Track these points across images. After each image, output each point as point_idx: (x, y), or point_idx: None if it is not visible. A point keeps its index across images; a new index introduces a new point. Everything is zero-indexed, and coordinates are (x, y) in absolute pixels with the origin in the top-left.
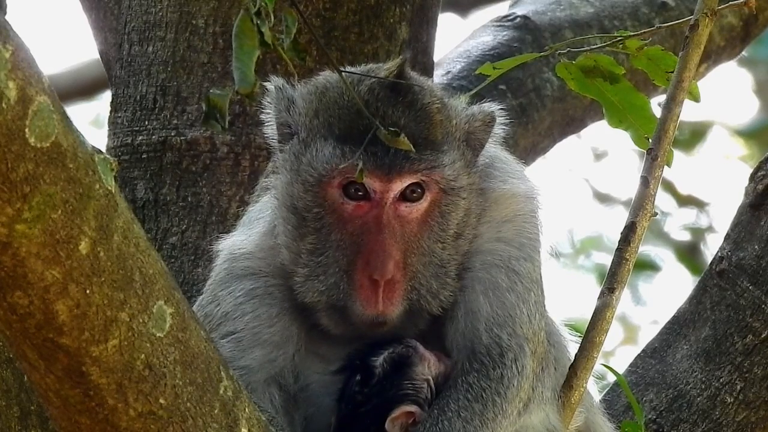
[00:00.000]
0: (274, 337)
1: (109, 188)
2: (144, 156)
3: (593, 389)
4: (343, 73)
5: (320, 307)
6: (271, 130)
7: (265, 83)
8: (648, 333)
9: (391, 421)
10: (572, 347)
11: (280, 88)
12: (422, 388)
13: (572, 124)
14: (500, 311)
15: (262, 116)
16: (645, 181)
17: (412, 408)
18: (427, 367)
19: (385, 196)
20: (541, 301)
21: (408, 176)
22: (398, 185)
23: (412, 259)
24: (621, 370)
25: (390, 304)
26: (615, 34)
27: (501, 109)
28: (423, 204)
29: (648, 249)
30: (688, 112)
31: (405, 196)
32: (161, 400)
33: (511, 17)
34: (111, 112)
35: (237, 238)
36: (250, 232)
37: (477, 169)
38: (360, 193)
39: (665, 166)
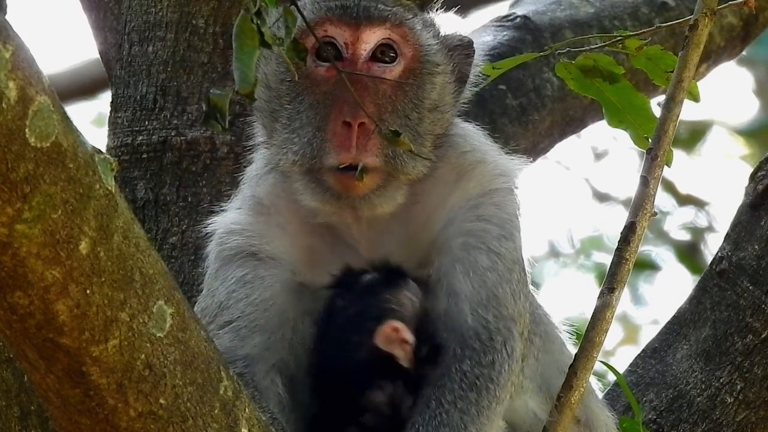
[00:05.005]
0: (270, 322)
1: (109, 188)
2: (144, 156)
3: (591, 379)
4: None
5: (298, 174)
6: None
7: None
8: (648, 333)
9: (379, 336)
10: (564, 337)
11: None
12: (405, 305)
13: (572, 124)
14: (483, 291)
15: None
16: (644, 181)
17: (397, 323)
18: (412, 289)
19: (356, 51)
20: (524, 281)
21: (377, 26)
22: (368, 35)
23: (386, 116)
24: (621, 370)
25: (364, 150)
26: (614, 34)
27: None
28: (396, 67)
29: (648, 249)
30: (688, 111)
31: (377, 58)
32: (161, 400)
33: (511, 17)
34: (111, 112)
35: (230, 214)
36: (243, 203)
37: (460, 94)
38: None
39: (665, 166)
